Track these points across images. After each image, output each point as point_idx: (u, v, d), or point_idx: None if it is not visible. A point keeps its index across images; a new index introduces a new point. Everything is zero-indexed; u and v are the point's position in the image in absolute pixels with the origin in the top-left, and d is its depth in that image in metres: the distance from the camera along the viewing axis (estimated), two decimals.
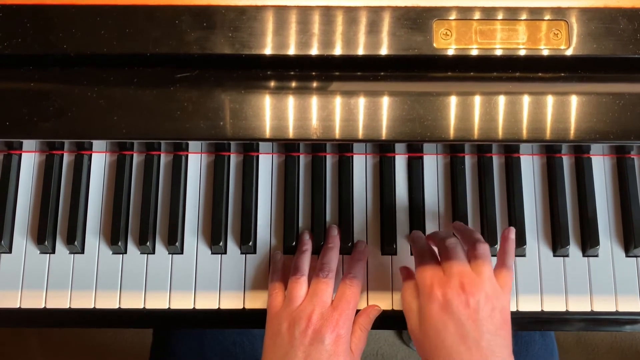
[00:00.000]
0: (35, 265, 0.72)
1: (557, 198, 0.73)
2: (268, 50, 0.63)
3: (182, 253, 0.72)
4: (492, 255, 0.71)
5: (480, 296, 0.59)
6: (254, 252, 0.72)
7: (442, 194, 0.74)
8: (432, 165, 0.74)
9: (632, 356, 1.54)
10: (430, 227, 0.73)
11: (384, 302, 0.71)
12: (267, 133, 0.63)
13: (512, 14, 0.64)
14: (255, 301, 0.71)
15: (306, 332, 0.63)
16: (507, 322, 0.61)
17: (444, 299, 0.60)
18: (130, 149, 0.74)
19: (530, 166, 0.74)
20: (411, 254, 0.72)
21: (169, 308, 0.71)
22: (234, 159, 0.75)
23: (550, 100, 0.64)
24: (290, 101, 0.64)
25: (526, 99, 0.64)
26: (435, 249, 0.67)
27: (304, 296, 0.66)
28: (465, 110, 0.64)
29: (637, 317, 0.71)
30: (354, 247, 0.71)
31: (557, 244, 0.71)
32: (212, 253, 0.72)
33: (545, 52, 0.64)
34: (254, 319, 0.71)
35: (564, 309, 0.71)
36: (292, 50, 0.63)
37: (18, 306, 0.71)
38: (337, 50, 0.63)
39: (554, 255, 0.73)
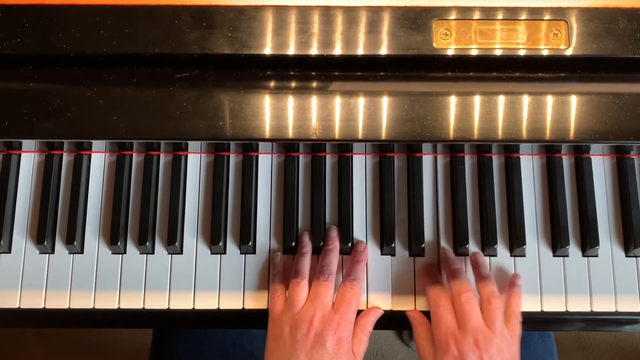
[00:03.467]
0: (34, 265, 0.71)
1: (557, 198, 0.73)
2: (267, 50, 0.63)
3: (181, 253, 0.72)
4: (491, 255, 0.71)
5: (493, 351, 0.63)
6: (254, 252, 0.72)
7: (442, 194, 0.74)
8: (432, 165, 0.74)
9: (632, 356, 1.54)
10: (430, 227, 0.73)
11: (383, 302, 0.71)
12: (267, 133, 0.63)
13: (511, 14, 0.64)
14: (255, 301, 0.71)
15: (308, 335, 0.63)
16: None
17: (460, 355, 0.63)
18: (129, 149, 0.74)
19: (530, 166, 0.74)
20: (411, 254, 0.72)
21: (168, 308, 0.71)
22: (233, 159, 0.75)
23: (550, 100, 0.64)
24: (290, 101, 0.64)
25: (526, 99, 0.64)
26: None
27: (305, 299, 0.66)
28: (465, 110, 0.64)
29: (636, 317, 0.71)
30: (354, 248, 0.71)
31: (557, 244, 0.71)
32: (212, 253, 0.72)
33: (545, 52, 0.64)
34: (254, 319, 0.71)
35: (563, 309, 0.71)
36: (291, 50, 0.63)
37: (17, 306, 0.71)
38: (337, 50, 0.63)
39: (554, 256, 0.72)
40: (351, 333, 0.66)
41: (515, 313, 0.67)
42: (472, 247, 0.72)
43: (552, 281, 0.72)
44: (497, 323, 0.65)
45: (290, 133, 0.63)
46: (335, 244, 0.71)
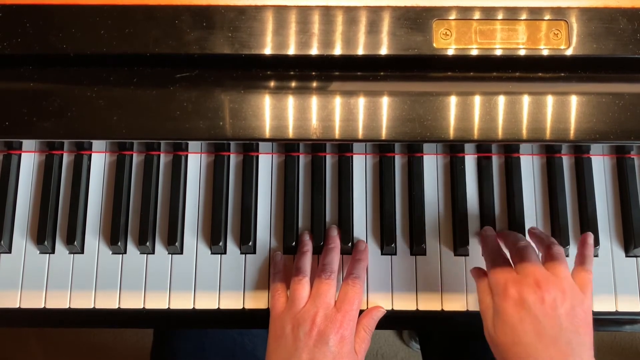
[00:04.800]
0: (35, 265, 0.72)
1: (557, 198, 0.73)
2: (268, 50, 0.63)
3: (181, 253, 0.72)
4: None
5: (556, 293, 0.58)
6: (254, 252, 0.72)
7: (442, 194, 0.74)
8: (432, 165, 0.74)
9: (632, 356, 1.54)
10: (430, 227, 0.73)
11: (384, 302, 0.71)
12: (267, 133, 0.63)
13: (512, 13, 0.64)
14: (255, 301, 0.71)
15: (310, 333, 0.63)
16: (588, 323, 0.59)
17: (519, 296, 0.58)
18: (130, 149, 0.74)
19: (530, 166, 0.74)
20: (411, 254, 0.72)
21: (168, 308, 0.71)
22: (233, 159, 0.75)
23: (550, 100, 0.64)
24: (290, 101, 0.64)
25: (526, 99, 0.64)
26: (506, 250, 0.66)
27: (306, 297, 0.66)
28: (465, 110, 0.64)
29: (637, 317, 0.71)
30: (354, 248, 0.71)
31: None
32: (212, 253, 0.72)
33: (545, 52, 0.64)
34: (254, 319, 0.71)
35: None
36: (291, 50, 0.63)
37: (18, 306, 0.71)
38: (337, 50, 0.63)
39: None
40: (354, 331, 0.66)
41: (585, 268, 0.63)
42: (473, 247, 0.72)
43: None
44: (560, 268, 0.60)
45: (291, 133, 0.63)
46: (336, 243, 0.71)
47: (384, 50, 0.63)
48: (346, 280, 0.68)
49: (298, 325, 0.64)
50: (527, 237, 0.71)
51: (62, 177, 0.74)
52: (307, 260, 0.70)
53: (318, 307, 0.65)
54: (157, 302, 0.71)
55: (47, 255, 0.72)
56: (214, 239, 0.71)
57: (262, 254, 0.72)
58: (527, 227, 0.72)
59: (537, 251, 0.64)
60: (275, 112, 0.64)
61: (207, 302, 0.71)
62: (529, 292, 0.57)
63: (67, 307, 0.71)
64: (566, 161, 0.75)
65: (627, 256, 0.73)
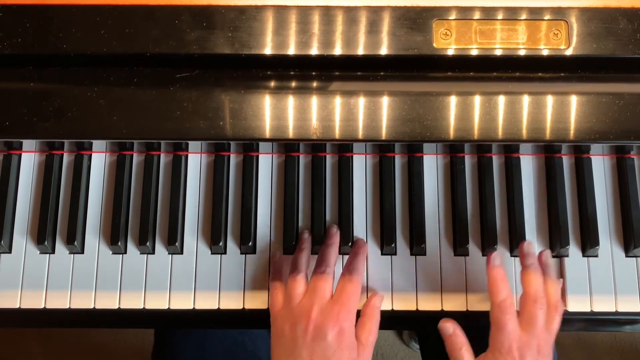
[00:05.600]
0: (35, 265, 0.71)
1: (557, 198, 0.73)
2: (268, 50, 0.63)
3: (181, 253, 0.72)
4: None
5: (549, 351, 0.65)
6: (254, 252, 0.72)
7: (442, 194, 0.74)
8: (432, 165, 0.74)
9: (632, 356, 1.54)
10: (431, 227, 0.73)
11: (385, 302, 0.71)
12: (267, 133, 0.63)
13: (512, 13, 0.64)
14: (255, 301, 0.71)
15: (307, 329, 0.63)
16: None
17: (521, 358, 0.63)
18: (130, 149, 0.74)
19: (530, 166, 0.74)
20: (411, 254, 0.72)
21: (168, 308, 0.71)
22: (233, 159, 0.75)
23: (550, 100, 0.64)
24: (290, 101, 0.64)
25: (526, 99, 0.64)
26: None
27: (303, 293, 0.66)
28: (465, 110, 0.64)
29: (636, 317, 0.71)
30: (354, 243, 0.71)
31: (557, 244, 0.71)
32: (212, 253, 0.72)
33: (545, 52, 0.64)
34: (254, 319, 0.71)
35: (563, 309, 0.71)
36: (292, 50, 0.63)
37: (18, 306, 0.71)
38: (337, 50, 0.63)
39: (554, 256, 0.72)
40: (353, 323, 0.65)
41: (559, 311, 0.67)
42: (473, 247, 0.72)
43: None
44: (555, 329, 0.66)
45: (291, 133, 0.63)
46: (334, 240, 0.70)
47: (384, 50, 0.63)
48: (343, 274, 0.67)
49: (295, 322, 0.63)
50: (531, 238, 0.72)
51: (62, 177, 0.74)
52: (304, 257, 0.69)
53: (314, 302, 0.64)
54: (157, 302, 0.71)
55: (47, 255, 0.72)
56: (214, 239, 0.71)
57: (262, 254, 0.72)
58: (527, 227, 0.72)
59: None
60: (276, 112, 0.64)
61: (207, 302, 0.71)
62: (530, 356, 0.63)
63: (67, 307, 0.71)
64: (566, 161, 0.75)
65: (627, 256, 0.73)
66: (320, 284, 0.65)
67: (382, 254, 0.73)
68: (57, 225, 0.73)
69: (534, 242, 0.72)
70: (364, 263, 0.70)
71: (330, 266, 0.67)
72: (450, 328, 0.68)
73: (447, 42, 0.63)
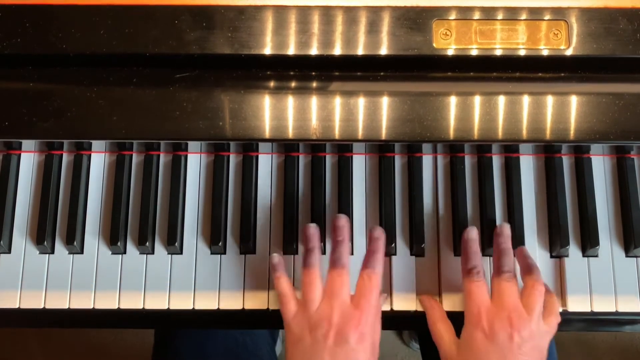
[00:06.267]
0: (34, 266, 0.71)
1: (557, 198, 0.72)
2: (267, 50, 0.63)
3: (181, 253, 0.72)
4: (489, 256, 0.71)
5: (525, 333, 0.61)
6: (254, 252, 0.72)
7: (442, 194, 0.74)
8: (432, 165, 0.74)
9: (632, 356, 1.54)
10: (430, 227, 0.73)
11: (384, 302, 0.71)
12: (267, 133, 0.63)
13: (512, 14, 0.64)
14: (255, 301, 0.71)
15: (329, 334, 0.61)
16: (544, 355, 0.63)
17: (490, 329, 0.61)
18: (129, 149, 0.74)
19: (530, 166, 0.74)
20: (411, 254, 0.72)
21: (168, 308, 0.71)
22: (233, 159, 0.75)
23: (550, 100, 0.64)
24: (290, 101, 0.64)
25: (526, 99, 0.64)
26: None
27: (320, 298, 0.63)
28: (465, 110, 0.64)
29: (637, 317, 0.71)
30: (370, 236, 0.68)
31: (557, 244, 0.71)
32: (212, 253, 0.72)
33: (545, 52, 0.64)
34: (254, 319, 0.71)
35: (563, 309, 0.71)
36: (291, 50, 0.63)
37: (17, 306, 0.71)
38: (337, 50, 0.63)
39: (554, 256, 0.72)
40: (374, 327, 0.64)
41: (555, 312, 0.66)
42: None
43: (552, 281, 0.72)
44: (535, 309, 0.62)
45: (290, 133, 0.63)
46: (344, 235, 0.67)
47: (383, 51, 0.63)
48: (362, 274, 0.65)
49: (315, 328, 0.61)
50: (531, 238, 0.71)
51: (61, 177, 0.74)
52: (316, 258, 0.66)
53: (333, 307, 0.62)
54: (156, 302, 0.71)
55: (47, 255, 0.72)
56: (214, 238, 0.71)
57: (262, 254, 0.72)
58: (527, 227, 0.72)
59: (517, 280, 0.66)
60: (275, 112, 0.63)
61: (206, 302, 0.71)
62: (501, 328, 0.61)
63: (66, 307, 0.71)
64: (566, 161, 0.74)
65: (627, 256, 0.73)
66: (337, 285, 0.63)
67: None
68: (56, 225, 0.73)
69: (533, 242, 0.72)
70: (381, 261, 0.67)
71: (345, 266, 0.64)
72: (425, 301, 0.68)
73: (447, 42, 0.63)
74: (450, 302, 0.71)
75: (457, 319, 0.69)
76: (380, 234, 0.68)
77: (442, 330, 0.66)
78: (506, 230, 0.70)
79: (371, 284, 0.64)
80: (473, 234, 0.69)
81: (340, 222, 0.68)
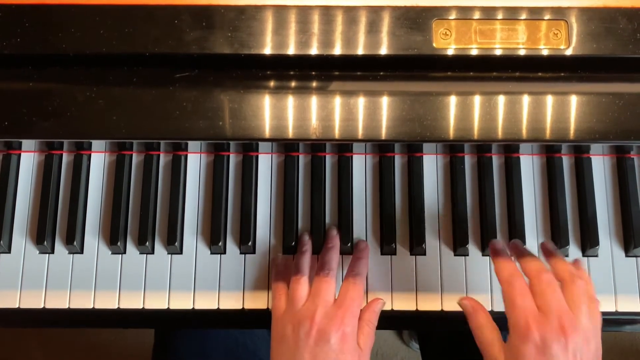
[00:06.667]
0: (34, 265, 0.71)
1: (557, 198, 0.72)
2: (267, 50, 0.63)
3: (181, 253, 0.72)
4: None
5: (580, 341, 0.56)
6: (253, 252, 0.72)
7: (442, 194, 0.74)
8: (432, 165, 0.74)
9: (632, 356, 1.54)
10: (430, 227, 0.73)
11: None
12: (267, 133, 0.63)
13: (511, 13, 0.64)
14: (255, 301, 0.71)
15: (310, 332, 0.62)
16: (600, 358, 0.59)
17: (542, 342, 0.55)
18: (129, 149, 0.74)
19: (530, 166, 0.74)
20: (411, 254, 0.72)
21: (168, 308, 0.71)
22: (233, 159, 0.75)
23: (550, 100, 0.64)
24: (290, 101, 0.64)
25: (526, 99, 0.64)
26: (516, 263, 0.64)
27: (306, 297, 0.66)
28: (465, 110, 0.64)
29: (636, 317, 0.71)
30: (355, 247, 0.71)
31: (557, 244, 0.71)
32: (212, 253, 0.72)
33: (545, 52, 0.64)
34: (254, 319, 0.71)
35: None
36: (291, 50, 0.63)
37: (17, 306, 0.71)
38: (337, 50, 0.63)
39: None
40: (356, 328, 0.65)
41: (593, 298, 0.60)
42: (472, 247, 0.72)
43: None
44: (582, 307, 0.57)
45: (290, 133, 0.63)
46: (335, 242, 0.70)
47: (383, 50, 0.63)
48: (347, 278, 0.67)
49: (298, 325, 0.63)
50: (530, 238, 0.71)
51: (61, 177, 0.74)
52: (306, 260, 0.69)
53: (317, 305, 0.64)
54: (156, 302, 0.71)
55: (47, 255, 0.72)
56: (214, 238, 0.71)
57: (262, 254, 0.72)
58: (527, 227, 0.72)
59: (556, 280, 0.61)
60: (275, 112, 0.63)
61: (206, 302, 0.71)
62: (553, 339, 0.55)
63: (66, 307, 0.71)
64: (566, 161, 0.74)
65: (627, 256, 0.73)
66: (323, 287, 0.65)
67: (381, 253, 0.73)
68: (56, 225, 0.73)
69: (533, 242, 0.72)
70: (366, 267, 0.70)
71: (332, 270, 0.67)
72: (468, 306, 0.63)
73: (447, 42, 0.63)
74: (451, 303, 0.71)
75: (458, 320, 0.69)
76: (365, 246, 0.72)
77: (490, 338, 0.61)
78: (519, 243, 0.68)
79: (355, 287, 0.66)
80: (498, 245, 0.66)
81: (332, 232, 0.72)
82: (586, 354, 0.56)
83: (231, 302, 0.71)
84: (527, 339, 0.56)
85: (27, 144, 0.73)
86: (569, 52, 0.63)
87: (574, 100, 0.64)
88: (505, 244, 0.69)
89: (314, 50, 0.63)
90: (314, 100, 0.64)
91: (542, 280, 0.59)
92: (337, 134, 0.63)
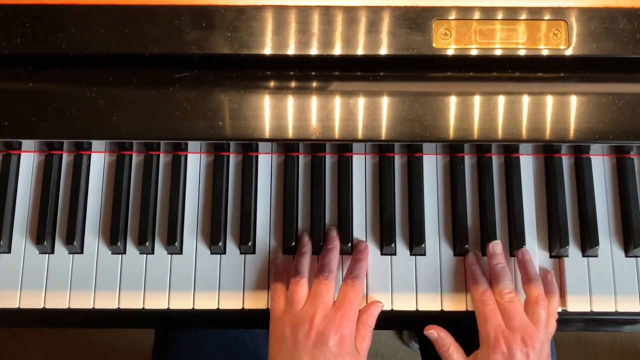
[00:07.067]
0: (34, 265, 0.71)
1: (557, 198, 0.72)
2: (267, 50, 0.63)
3: (181, 253, 0.72)
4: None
5: (537, 347, 0.65)
6: (253, 252, 0.72)
7: (442, 194, 0.74)
8: (432, 165, 0.74)
9: (632, 356, 1.54)
10: (430, 227, 0.73)
11: (384, 302, 0.71)
12: (267, 133, 0.63)
13: (511, 13, 0.64)
14: (255, 301, 0.71)
15: (309, 334, 0.63)
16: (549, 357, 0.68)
17: (509, 352, 0.64)
18: (129, 149, 0.74)
19: (529, 166, 0.74)
20: (411, 254, 0.72)
21: (168, 308, 0.71)
22: (233, 159, 0.75)
23: (549, 100, 0.64)
24: (290, 101, 0.64)
25: (526, 99, 0.64)
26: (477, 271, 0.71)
27: (305, 298, 0.66)
28: (465, 110, 0.64)
29: (636, 317, 0.71)
30: (354, 248, 0.71)
31: (557, 244, 0.71)
32: (211, 253, 0.72)
33: (545, 52, 0.64)
34: (253, 319, 0.71)
35: (563, 309, 0.71)
36: (291, 50, 0.63)
37: (17, 306, 0.71)
38: (337, 50, 0.63)
39: (553, 256, 0.72)
40: (354, 331, 0.65)
41: (553, 312, 0.69)
42: (472, 247, 0.72)
43: None
44: (541, 322, 0.66)
45: (290, 133, 0.63)
46: (335, 244, 0.70)
47: (383, 50, 0.63)
48: (345, 280, 0.67)
49: (297, 327, 0.63)
50: (531, 239, 0.72)
51: (61, 177, 0.74)
52: (306, 261, 0.69)
53: (316, 308, 0.64)
54: (156, 302, 0.71)
55: (47, 255, 0.72)
56: (214, 239, 0.71)
57: (262, 254, 0.72)
58: (527, 228, 0.72)
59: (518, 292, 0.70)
60: (275, 112, 0.63)
61: (206, 302, 0.71)
62: (517, 349, 0.64)
63: (66, 307, 0.71)
64: (566, 161, 0.74)
65: (626, 256, 0.73)
66: (322, 289, 0.66)
67: (381, 254, 0.72)
68: (56, 225, 0.73)
69: (533, 243, 0.72)
70: (365, 269, 0.70)
71: (332, 272, 0.67)
72: (434, 334, 0.69)
73: (447, 42, 0.63)
74: (451, 303, 0.71)
75: (458, 321, 0.69)
76: (365, 247, 0.71)
77: (455, 355, 0.68)
78: (498, 248, 0.71)
79: (354, 289, 0.66)
80: (473, 258, 0.71)
81: (332, 233, 0.72)
82: (541, 357, 0.66)
83: (231, 302, 0.71)
84: (496, 349, 0.65)
85: (27, 144, 0.73)
86: (568, 52, 0.63)
87: (573, 100, 0.64)
88: (479, 258, 0.72)
89: (314, 51, 0.63)
90: (313, 101, 0.64)
91: (505, 300, 0.67)
92: (337, 134, 0.63)
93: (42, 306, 0.71)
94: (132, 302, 0.71)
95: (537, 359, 0.65)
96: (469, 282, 0.70)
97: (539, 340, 0.65)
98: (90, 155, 0.74)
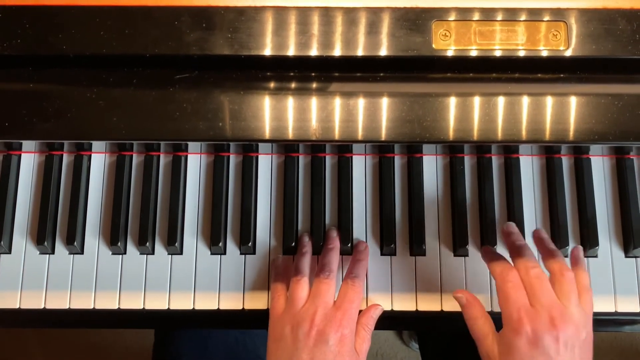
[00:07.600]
0: (34, 266, 0.72)
1: (557, 199, 0.73)
2: (267, 51, 0.63)
3: (181, 253, 0.72)
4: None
5: (569, 329, 0.58)
6: (253, 252, 0.72)
7: (442, 194, 0.74)
8: (432, 166, 0.74)
9: (632, 356, 1.54)
10: (430, 227, 0.73)
11: (384, 302, 0.71)
12: (267, 134, 0.63)
13: (511, 15, 0.64)
14: (255, 301, 0.71)
15: (310, 333, 0.63)
16: (591, 347, 0.61)
17: (534, 335, 0.57)
18: (129, 150, 0.74)
19: (529, 167, 0.74)
20: (411, 254, 0.72)
21: (168, 308, 0.71)
22: (233, 160, 0.75)
23: (549, 101, 0.64)
24: (290, 102, 0.64)
25: (525, 100, 0.64)
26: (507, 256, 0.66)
27: (305, 298, 0.66)
28: (465, 111, 0.64)
29: (636, 317, 0.71)
30: (355, 248, 0.71)
31: (557, 244, 0.71)
32: (212, 254, 0.72)
33: (545, 53, 0.64)
34: (254, 319, 0.71)
35: None
36: (291, 51, 0.63)
37: (18, 307, 0.71)
38: (337, 51, 0.63)
39: None
40: (354, 331, 0.65)
41: (586, 287, 0.63)
42: (472, 247, 0.72)
43: None
44: (572, 297, 0.60)
45: (290, 134, 0.63)
46: (335, 244, 0.71)
47: (383, 51, 0.63)
48: (346, 280, 0.67)
49: (297, 326, 0.63)
50: (530, 239, 0.71)
51: (62, 177, 0.74)
52: (307, 261, 0.69)
53: (317, 307, 0.64)
54: (156, 302, 0.71)
55: (47, 255, 0.72)
56: (214, 239, 0.71)
57: (262, 255, 0.72)
58: (526, 228, 0.72)
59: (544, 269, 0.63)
60: (275, 113, 0.64)
61: (206, 302, 0.71)
62: (544, 331, 0.57)
63: (67, 307, 0.71)
64: (566, 162, 0.75)
65: (626, 257, 0.73)
66: (323, 288, 0.66)
67: (381, 254, 0.73)
68: (56, 225, 0.73)
69: (532, 243, 0.72)
70: (365, 269, 0.70)
71: (332, 271, 0.67)
72: (462, 298, 0.65)
73: (447, 43, 0.63)
74: (451, 303, 0.71)
75: (458, 321, 0.69)
76: (365, 247, 0.71)
77: (484, 330, 0.62)
78: (513, 227, 0.69)
79: (354, 289, 0.66)
80: (489, 249, 0.69)
81: (332, 233, 0.72)
82: (577, 343, 0.58)
83: (231, 302, 0.71)
84: (520, 332, 0.58)
85: (28, 144, 0.74)
86: (568, 53, 0.63)
87: (573, 101, 0.64)
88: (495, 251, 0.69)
89: (313, 52, 0.63)
90: (313, 102, 0.64)
91: (531, 275, 0.61)
92: (337, 135, 0.63)
93: (42, 306, 0.71)
94: (132, 302, 0.71)
95: (570, 346, 0.58)
96: (487, 261, 0.65)
97: (573, 323, 0.58)
98: (90, 155, 0.74)
